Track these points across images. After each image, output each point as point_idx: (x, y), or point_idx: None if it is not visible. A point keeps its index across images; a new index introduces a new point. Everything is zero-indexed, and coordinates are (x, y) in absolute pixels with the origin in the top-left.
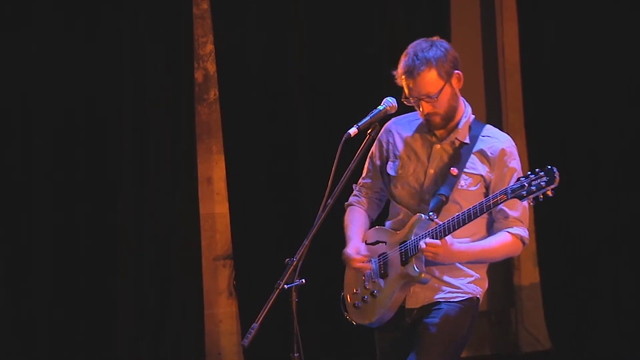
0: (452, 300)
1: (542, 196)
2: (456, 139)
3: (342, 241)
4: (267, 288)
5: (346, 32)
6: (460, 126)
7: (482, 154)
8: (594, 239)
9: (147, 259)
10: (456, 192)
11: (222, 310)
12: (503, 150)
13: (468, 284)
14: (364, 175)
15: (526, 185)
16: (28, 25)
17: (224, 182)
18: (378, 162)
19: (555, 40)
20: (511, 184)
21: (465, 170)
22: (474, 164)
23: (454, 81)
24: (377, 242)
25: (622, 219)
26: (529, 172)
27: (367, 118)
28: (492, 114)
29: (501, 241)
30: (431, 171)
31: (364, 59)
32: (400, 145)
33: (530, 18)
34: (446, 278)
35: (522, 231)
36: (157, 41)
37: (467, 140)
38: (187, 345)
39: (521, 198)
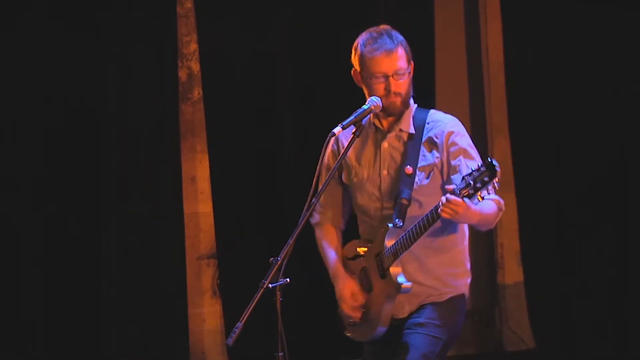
0: (437, 300)
1: (488, 191)
2: (400, 130)
3: None
4: (251, 287)
5: (330, 32)
6: (402, 116)
7: (429, 141)
8: (578, 238)
9: (132, 258)
10: (415, 191)
11: (206, 310)
12: (449, 132)
13: (454, 281)
14: (320, 188)
15: (472, 183)
16: (15, 25)
17: (207, 181)
18: (326, 176)
19: (539, 40)
20: (459, 185)
21: (419, 165)
22: (425, 155)
23: (411, 68)
24: (356, 257)
25: (606, 219)
26: (472, 169)
27: (352, 117)
28: (476, 114)
29: (493, 207)
30: (384, 172)
31: (348, 58)
32: (351, 152)
33: (514, 18)
34: (430, 282)
35: (499, 197)
36: (141, 40)
37: (412, 130)
38: (172, 344)
39: (470, 197)
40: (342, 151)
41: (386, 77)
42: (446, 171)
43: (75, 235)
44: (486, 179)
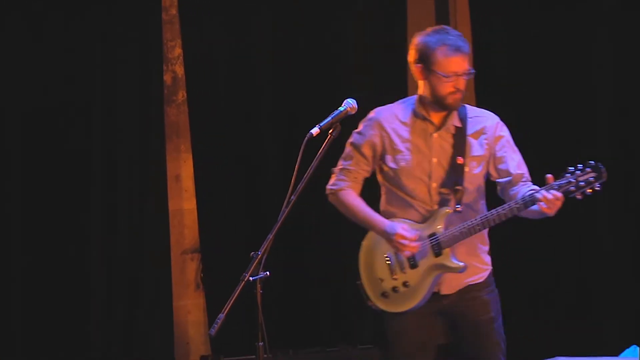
0: (479, 281)
1: (590, 190)
2: (452, 125)
3: (306, 234)
4: (233, 280)
5: (308, 37)
6: (452, 111)
7: (477, 134)
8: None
9: (119, 253)
10: (465, 180)
11: (190, 302)
12: (496, 126)
13: (486, 258)
14: (347, 162)
15: (573, 181)
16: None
17: (191, 180)
18: (369, 154)
19: (508, 44)
20: (559, 181)
21: (470, 155)
22: (474, 147)
23: None
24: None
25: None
26: (571, 168)
27: (329, 119)
28: None
29: None
30: (434, 160)
31: (326, 61)
32: (397, 139)
33: (483, 22)
34: (474, 261)
35: None
36: (127, 45)
37: (459, 124)
38: (157, 335)
39: (569, 194)
40: (392, 135)
41: (457, 75)
42: (492, 162)
43: (63, 231)
44: (591, 179)
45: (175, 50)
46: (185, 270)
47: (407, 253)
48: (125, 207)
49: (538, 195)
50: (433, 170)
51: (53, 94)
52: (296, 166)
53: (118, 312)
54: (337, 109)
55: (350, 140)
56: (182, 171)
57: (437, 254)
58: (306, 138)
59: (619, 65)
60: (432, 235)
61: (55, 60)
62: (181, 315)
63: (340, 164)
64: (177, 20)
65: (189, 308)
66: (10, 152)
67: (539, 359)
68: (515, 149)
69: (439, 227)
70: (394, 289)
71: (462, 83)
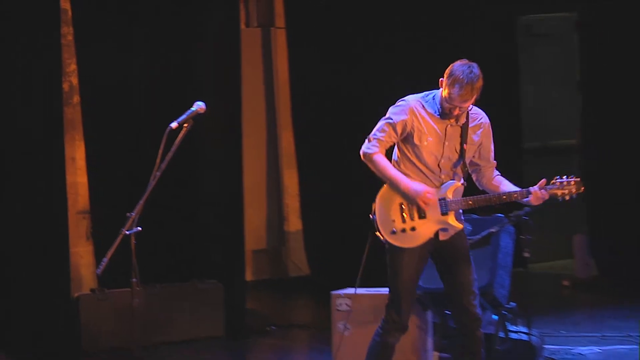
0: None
1: (567, 198)
2: (462, 121)
3: (171, 198)
4: (114, 233)
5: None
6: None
7: (475, 127)
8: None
9: (28, 215)
10: (467, 162)
11: (82, 249)
12: (489, 123)
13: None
14: (381, 134)
15: (561, 188)
16: None
17: (84, 161)
18: (399, 131)
19: (317, 66)
20: (550, 186)
21: (470, 144)
22: (473, 138)
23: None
24: None
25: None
26: (559, 177)
27: (184, 116)
28: (270, 115)
29: None
30: (446, 143)
31: (182, 76)
32: (424, 125)
33: (298, 56)
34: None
35: None
36: (38, 61)
37: (464, 120)
38: (57, 275)
39: (554, 196)
40: (420, 120)
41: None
42: (480, 149)
43: None
44: (573, 190)
45: (71, 66)
46: (79, 226)
47: (426, 207)
48: (36, 180)
49: (532, 190)
50: (445, 150)
51: None
52: (160, 150)
53: (29, 258)
54: (190, 108)
55: (386, 117)
56: (76, 154)
57: (444, 213)
58: (167, 130)
59: None
60: (442, 198)
61: None
62: (76, 259)
63: (375, 134)
64: (72, 44)
65: (82, 254)
66: None
67: None
68: (492, 141)
69: (449, 194)
70: (403, 230)
71: (458, 112)
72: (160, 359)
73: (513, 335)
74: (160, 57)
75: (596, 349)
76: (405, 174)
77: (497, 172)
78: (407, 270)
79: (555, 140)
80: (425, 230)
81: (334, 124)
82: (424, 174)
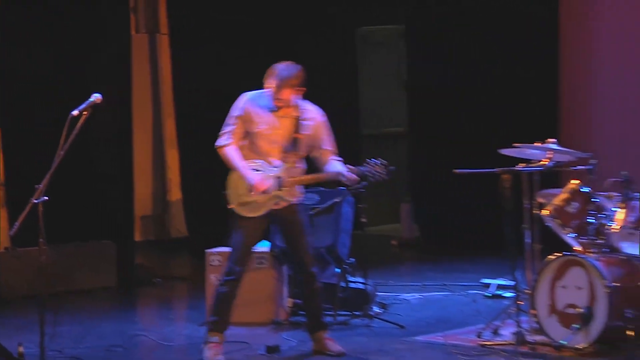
0: (294, 202)
1: (376, 177)
2: (293, 113)
3: (75, 173)
4: (25, 202)
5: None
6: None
7: (307, 120)
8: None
9: None
10: (300, 148)
11: None
12: (322, 117)
13: (299, 190)
14: (229, 128)
15: (371, 170)
16: None
17: (1, 143)
18: (242, 122)
19: (196, 73)
20: (360, 167)
21: (304, 132)
22: (306, 127)
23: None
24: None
25: None
26: (374, 160)
27: (83, 105)
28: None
29: None
30: (280, 132)
31: (82, 71)
32: (259, 116)
33: (179, 57)
34: (293, 192)
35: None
36: None
37: (296, 113)
38: None
39: (365, 178)
40: (256, 112)
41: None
42: (314, 139)
43: None
44: (379, 170)
45: None
46: None
47: (255, 193)
48: None
49: (344, 171)
50: (279, 138)
51: None
52: (63, 134)
53: None
54: (88, 99)
55: (230, 114)
56: None
57: (279, 189)
58: (69, 117)
59: None
60: (278, 177)
61: None
62: None
63: (224, 129)
64: None
65: None
66: None
67: None
68: (330, 132)
69: (283, 174)
70: (249, 203)
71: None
72: (64, 304)
73: (352, 285)
74: (65, 56)
75: (417, 295)
76: (249, 157)
77: (335, 157)
78: (249, 234)
79: (388, 129)
80: (265, 203)
81: (208, 113)
82: (263, 156)
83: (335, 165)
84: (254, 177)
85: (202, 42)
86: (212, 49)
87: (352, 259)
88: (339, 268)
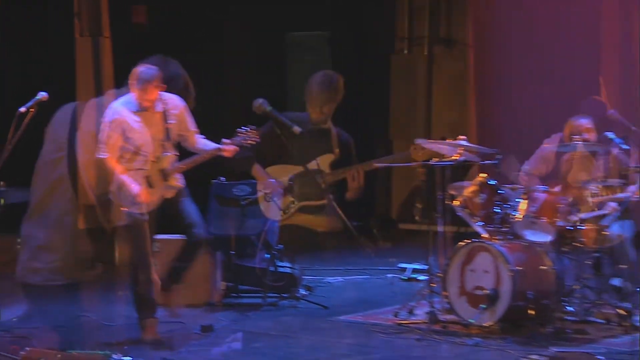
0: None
1: (249, 142)
2: (155, 107)
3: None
4: None
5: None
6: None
7: (171, 109)
8: None
9: None
10: (171, 137)
11: None
12: (183, 104)
13: (181, 179)
14: (106, 139)
15: (241, 138)
16: None
17: None
18: (115, 132)
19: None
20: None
21: (171, 123)
22: (171, 118)
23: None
24: (139, 170)
25: None
26: (241, 128)
27: (31, 102)
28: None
29: None
30: (151, 128)
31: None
32: (129, 120)
33: (120, 60)
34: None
35: None
36: None
37: (159, 108)
38: None
39: (240, 145)
40: (125, 117)
41: None
42: (179, 124)
43: None
44: (252, 135)
45: None
46: None
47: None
48: None
49: (221, 145)
50: (151, 133)
51: None
52: (12, 128)
53: None
54: (35, 97)
55: (102, 126)
56: None
57: (166, 179)
58: (17, 113)
59: None
60: (161, 169)
61: None
62: None
63: (100, 142)
64: None
65: None
66: None
67: None
68: (190, 115)
69: (165, 164)
70: (140, 201)
71: None
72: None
73: (281, 269)
74: (15, 57)
75: (340, 278)
76: (129, 159)
77: (201, 137)
78: (148, 231)
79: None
80: (156, 194)
81: None
82: (141, 155)
83: (208, 143)
84: (131, 188)
85: (143, 46)
86: (151, 53)
87: (281, 246)
88: (268, 253)
